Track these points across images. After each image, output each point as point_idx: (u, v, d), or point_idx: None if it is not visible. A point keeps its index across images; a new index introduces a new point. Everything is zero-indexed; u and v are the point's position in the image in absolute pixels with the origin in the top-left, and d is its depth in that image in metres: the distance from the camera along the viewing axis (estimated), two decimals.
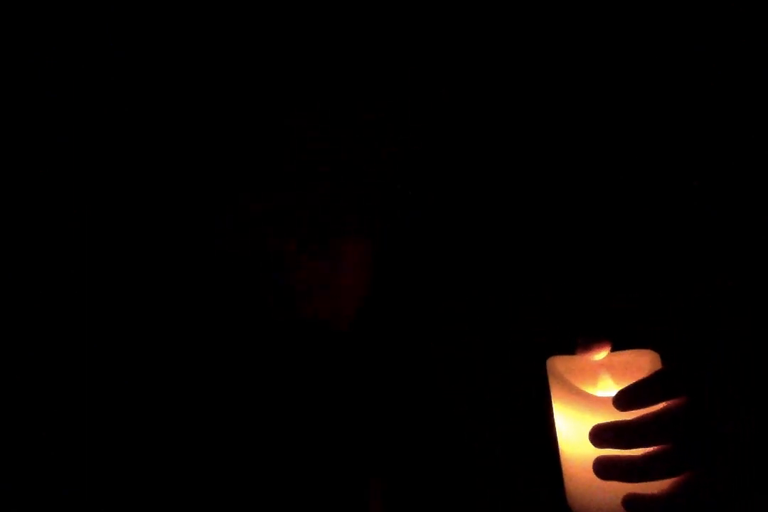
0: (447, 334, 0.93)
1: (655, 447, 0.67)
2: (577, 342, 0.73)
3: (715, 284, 0.85)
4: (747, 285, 0.84)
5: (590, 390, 0.72)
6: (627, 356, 0.73)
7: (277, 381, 0.98)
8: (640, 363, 0.72)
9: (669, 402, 0.67)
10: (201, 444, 0.98)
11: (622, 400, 0.68)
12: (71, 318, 0.99)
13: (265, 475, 0.97)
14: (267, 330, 0.98)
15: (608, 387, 0.73)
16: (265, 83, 0.95)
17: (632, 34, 0.90)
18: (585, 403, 0.70)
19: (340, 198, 0.92)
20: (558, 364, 0.73)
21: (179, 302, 0.98)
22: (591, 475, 0.69)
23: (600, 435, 0.68)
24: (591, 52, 0.91)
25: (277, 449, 0.98)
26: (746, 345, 0.73)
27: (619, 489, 0.68)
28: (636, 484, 0.68)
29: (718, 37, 0.89)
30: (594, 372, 0.73)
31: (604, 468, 0.68)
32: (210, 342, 0.99)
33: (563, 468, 0.74)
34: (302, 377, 0.98)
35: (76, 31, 0.98)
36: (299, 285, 0.90)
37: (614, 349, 0.74)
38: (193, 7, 0.96)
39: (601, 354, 0.73)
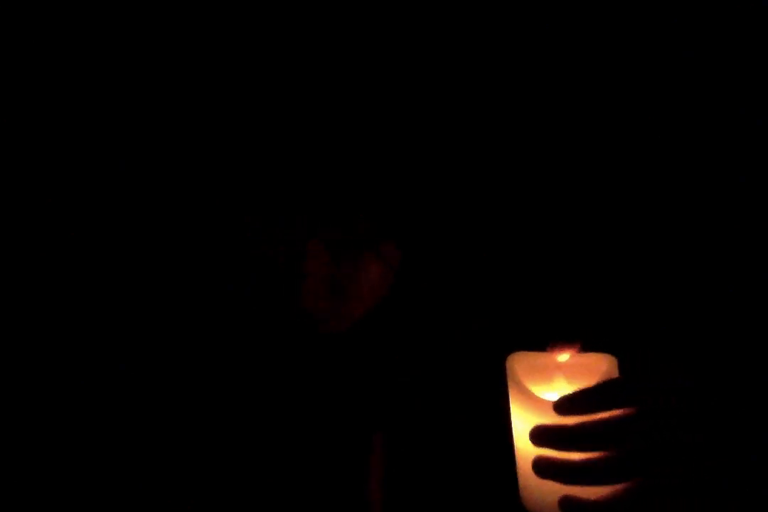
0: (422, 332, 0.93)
1: (594, 454, 0.68)
2: (548, 341, 0.74)
3: (692, 294, 0.86)
4: (722, 296, 0.84)
5: (544, 388, 0.73)
6: (587, 359, 0.74)
7: (279, 374, 0.98)
8: (597, 367, 0.72)
9: (613, 412, 0.68)
10: (205, 429, 0.98)
11: (562, 406, 0.69)
12: (75, 319, 0.99)
13: (267, 459, 0.98)
14: (271, 326, 0.98)
15: (561, 388, 0.74)
16: (276, 86, 0.95)
17: (632, 35, 0.90)
18: (532, 404, 0.71)
19: (360, 203, 0.92)
20: (517, 361, 0.74)
21: (189, 302, 0.98)
22: (530, 472, 0.71)
23: (538, 436, 0.70)
24: (591, 53, 0.91)
25: (278, 439, 0.98)
26: (714, 359, 0.73)
27: (561, 488, 0.70)
28: (566, 490, 0.69)
29: (717, 38, 0.89)
30: (550, 372, 0.74)
31: (541, 468, 0.70)
32: (217, 340, 0.99)
33: (517, 464, 0.75)
34: (303, 371, 0.98)
35: (77, 31, 0.98)
36: (313, 287, 0.89)
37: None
38: (198, 9, 0.96)
39: (566, 355, 0.74)
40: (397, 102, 0.93)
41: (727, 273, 0.85)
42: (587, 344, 0.74)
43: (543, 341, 0.75)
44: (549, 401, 0.70)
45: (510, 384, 0.73)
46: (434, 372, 0.95)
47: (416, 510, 0.96)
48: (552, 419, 0.70)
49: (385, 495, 0.98)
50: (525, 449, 0.72)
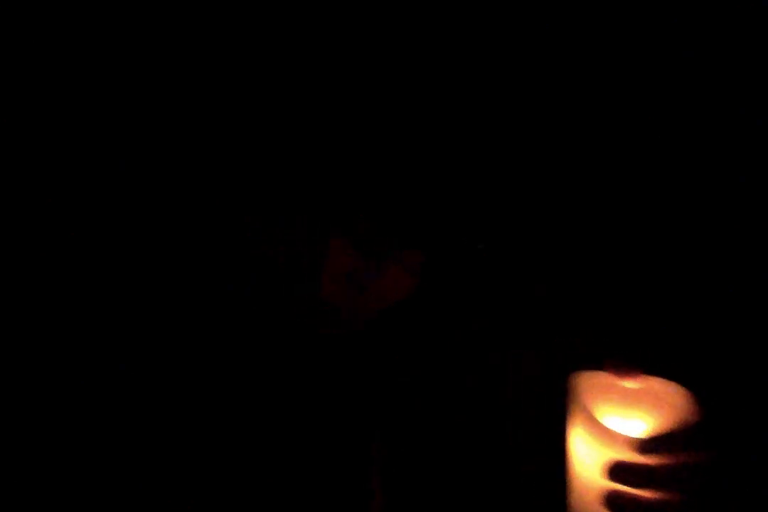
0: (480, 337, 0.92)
1: (667, 494, 0.67)
2: (606, 363, 0.72)
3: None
4: None
5: (611, 411, 0.71)
6: (658, 386, 0.71)
7: (278, 373, 0.98)
8: (673, 401, 0.70)
9: (692, 455, 0.68)
10: (205, 429, 0.98)
11: (648, 447, 0.67)
12: (74, 319, 0.99)
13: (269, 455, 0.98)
14: (271, 325, 0.98)
15: (632, 416, 0.71)
16: (276, 85, 0.95)
17: (633, 35, 0.90)
18: (600, 434, 0.69)
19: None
20: (583, 382, 0.71)
21: (189, 302, 0.98)
22: (595, 499, 0.69)
23: (617, 473, 0.68)
24: (591, 53, 0.91)
25: (278, 439, 0.98)
26: None
27: None
28: None
29: (717, 38, 0.89)
30: (621, 395, 0.72)
31: (614, 503, 0.69)
32: (216, 340, 0.99)
33: (569, 485, 0.73)
34: (302, 371, 0.98)
35: (77, 31, 0.98)
36: (332, 285, 0.89)
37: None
38: (197, 9, 0.96)
39: (629, 383, 0.72)
40: (401, 102, 0.93)
41: (735, 277, 0.85)
42: (650, 368, 0.72)
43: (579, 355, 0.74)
44: (623, 435, 0.68)
45: (575, 407, 0.71)
46: (434, 372, 0.95)
47: (416, 509, 0.96)
48: (622, 452, 0.68)
49: (385, 495, 0.98)
50: (585, 476, 0.70)
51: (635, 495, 0.68)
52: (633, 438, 0.68)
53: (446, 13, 0.94)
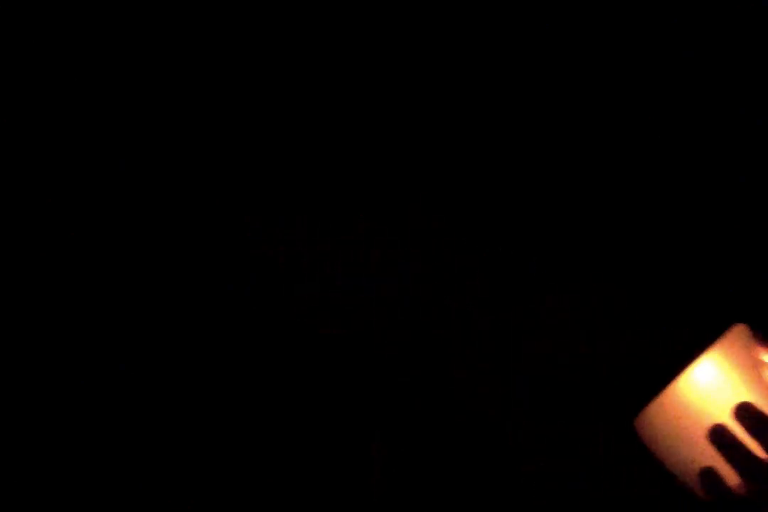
0: None
1: None
2: (757, 334, 0.74)
3: None
4: None
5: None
6: None
7: (278, 373, 0.98)
8: None
9: None
10: (205, 429, 0.98)
11: None
12: (75, 319, 0.99)
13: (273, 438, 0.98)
14: (270, 326, 0.98)
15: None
16: (277, 86, 0.95)
17: (634, 35, 0.90)
18: (749, 376, 0.71)
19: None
20: (743, 334, 0.73)
21: (189, 302, 0.98)
22: (692, 427, 0.71)
23: (746, 414, 0.70)
24: (591, 53, 0.91)
25: (279, 439, 0.98)
26: None
27: (706, 453, 0.71)
28: (719, 464, 0.70)
29: (717, 38, 0.89)
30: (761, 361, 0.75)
31: (720, 437, 0.70)
32: (216, 340, 0.99)
33: (663, 402, 0.74)
34: (302, 371, 0.98)
35: (77, 31, 0.98)
36: None
37: None
38: (198, 9, 0.96)
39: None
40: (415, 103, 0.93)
41: None
42: None
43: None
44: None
45: (728, 346, 0.73)
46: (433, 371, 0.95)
47: (415, 509, 0.96)
48: (760, 399, 0.70)
49: (384, 494, 0.98)
50: (693, 399, 0.72)
51: (741, 437, 0.69)
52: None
53: (447, 13, 0.94)
